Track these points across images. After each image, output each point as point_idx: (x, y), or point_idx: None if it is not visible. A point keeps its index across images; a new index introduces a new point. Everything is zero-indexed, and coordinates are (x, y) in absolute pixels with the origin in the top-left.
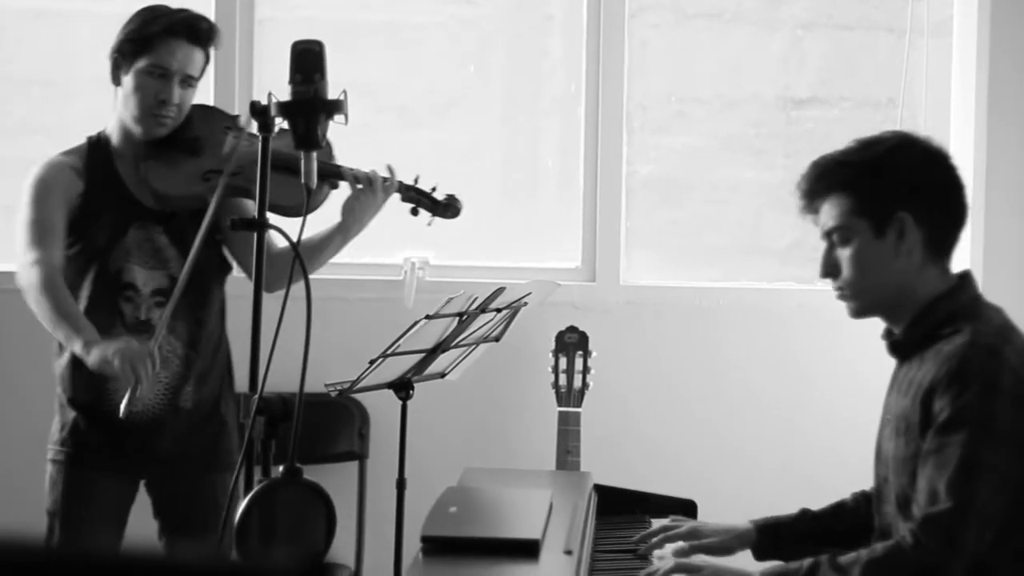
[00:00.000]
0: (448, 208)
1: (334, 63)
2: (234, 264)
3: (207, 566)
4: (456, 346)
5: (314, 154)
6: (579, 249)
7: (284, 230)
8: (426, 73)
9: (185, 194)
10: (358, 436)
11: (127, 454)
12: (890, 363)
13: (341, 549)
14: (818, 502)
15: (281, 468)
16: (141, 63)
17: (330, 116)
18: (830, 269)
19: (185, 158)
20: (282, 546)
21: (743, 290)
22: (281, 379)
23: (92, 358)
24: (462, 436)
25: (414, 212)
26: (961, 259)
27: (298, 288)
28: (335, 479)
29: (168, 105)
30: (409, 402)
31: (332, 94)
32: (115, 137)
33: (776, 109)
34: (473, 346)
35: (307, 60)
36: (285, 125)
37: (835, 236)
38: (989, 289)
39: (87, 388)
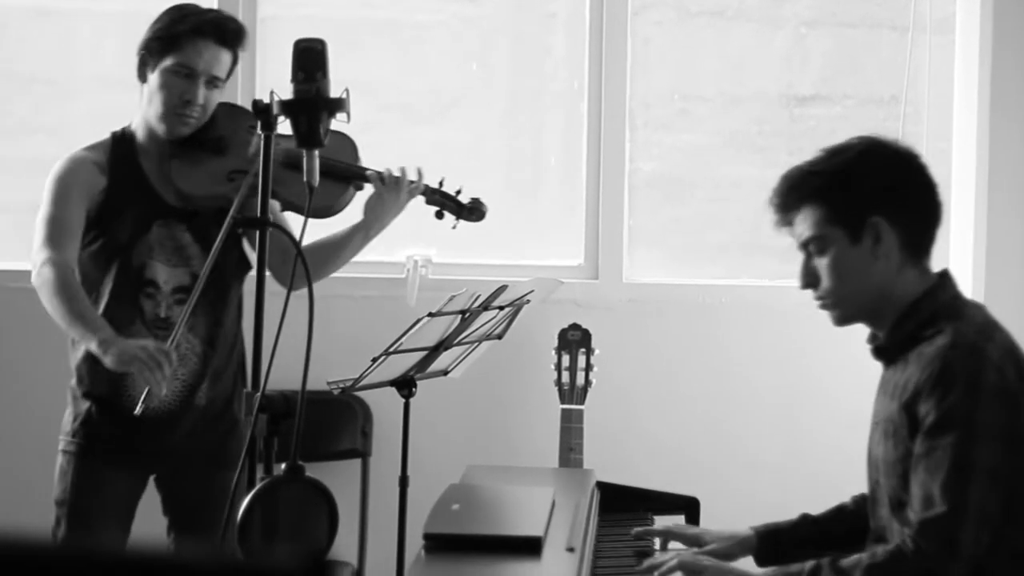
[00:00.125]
0: (473, 212)
1: (337, 61)
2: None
3: (210, 564)
4: (459, 344)
5: (316, 152)
6: (582, 246)
7: (287, 229)
8: (429, 71)
9: (209, 194)
10: (361, 434)
11: (139, 448)
12: None
13: (344, 546)
14: (821, 499)
15: (283, 466)
16: (167, 62)
17: (332, 114)
18: (810, 279)
19: (210, 157)
20: (284, 544)
21: (746, 287)
22: (284, 376)
23: (109, 357)
24: (465, 434)
25: (439, 215)
26: (963, 254)
27: (294, 284)
28: (338, 477)
29: (192, 105)
30: (412, 400)
31: (335, 92)
32: (140, 133)
33: (779, 106)
34: (476, 344)
35: (309, 58)
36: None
37: (812, 246)
38: (991, 286)
39: (104, 382)
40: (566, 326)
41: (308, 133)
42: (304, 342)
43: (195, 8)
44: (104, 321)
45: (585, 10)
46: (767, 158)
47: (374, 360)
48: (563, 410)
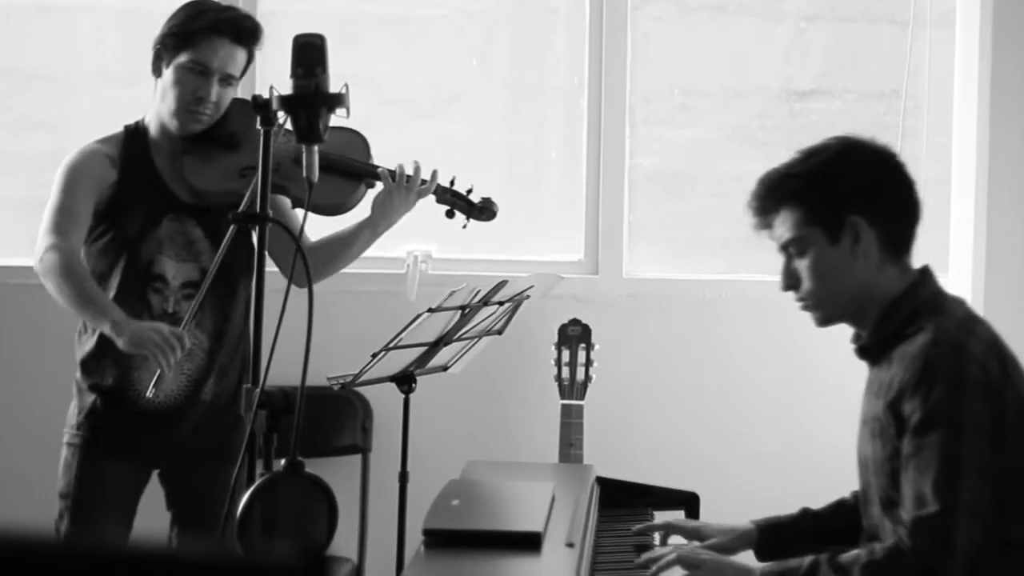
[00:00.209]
0: (484, 211)
1: (337, 56)
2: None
3: (209, 560)
4: (459, 339)
5: (315, 148)
6: (582, 242)
7: (286, 225)
8: (429, 66)
9: (221, 190)
10: (361, 429)
11: (143, 442)
12: None
13: (344, 542)
14: (821, 494)
15: (283, 461)
16: (182, 58)
17: (332, 109)
18: (791, 281)
19: (222, 154)
20: (284, 539)
21: (746, 283)
22: (284, 372)
23: (122, 340)
24: (465, 429)
25: (449, 214)
26: (963, 248)
27: (300, 281)
28: (338, 472)
29: (205, 102)
30: (412, 395)
31: (335, 87)
32: (153, 128)
33: (780, 101)
34: (476, 339)
35: (308, 53)
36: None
37: (791, 248)
38: (991, 279)
39: (111, 375)
40: (566, 321)
41: (308, 128)
42: (304, 337)
43: (212, 5)
44: (115, 304)
45: (585, 5)
46: (768, 153)
47: (374, 356)
48: (563, 405)
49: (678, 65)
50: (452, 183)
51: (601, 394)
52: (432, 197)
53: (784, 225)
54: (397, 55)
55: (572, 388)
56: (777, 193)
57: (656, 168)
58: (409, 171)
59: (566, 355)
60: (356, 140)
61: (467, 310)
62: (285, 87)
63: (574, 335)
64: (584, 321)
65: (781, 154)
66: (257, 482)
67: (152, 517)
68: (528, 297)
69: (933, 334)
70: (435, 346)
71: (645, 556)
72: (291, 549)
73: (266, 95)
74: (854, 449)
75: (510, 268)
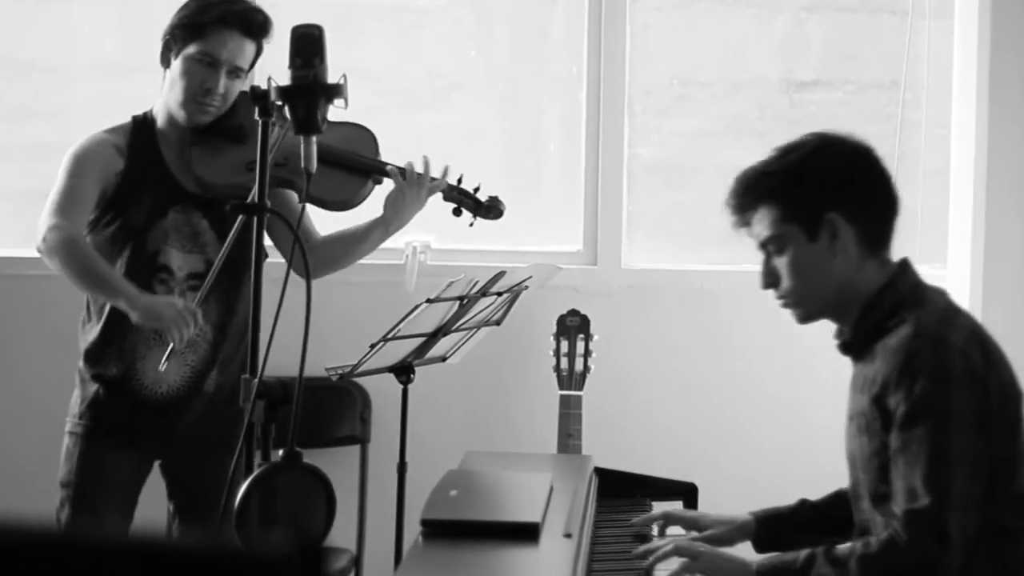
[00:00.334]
0: (491, 210)
1: (336, 47)
2: (271, 251)
3: (204, 551)
4: (457, 330)
5: (314, 139)
6: (581, 232)
7: (284, 216)
8: (428, 57)
9: (228, 183)
10: (360, 420)
11: (146, 433)
12: None
13: (343, 533)
14: (819, 485)
15: (281, 452)
16: (191, 49)
17: (330, 100)
18: (770, 279)
19: (230, 146)
20: (281, 530)
21: (745, 273)
22: (282, 363)
23: (137, 313)
24: (463, 420)
25: (456, 212)
26: (962, 239)
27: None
28: (337, 463)
29: (213, 94)
30: (410, 386)
31: (333, 78)
32: (160, 119)
33: (779, 92)
34: (474, 330)
35: (306, 44)
36: (331, 117)
37: (770, 246)
38: (989, 271)
39: (115, 364)
40: (565, 312)
41: (306, 119)
42: (302, 328)
43: None
44: (125, 278)
45: None
46: (767, 143)
47: (372, 346)
48: (561, 396)
49: (677, 56)
50: (459, 181)
51: (600, 385)
52: (439, 195)
53: (762, 223)
54: (395, 46)
55: (571, 379)
56: (754, 191)
57: (655, 159)
58: (419, 168)
59: (565, 346)
60: (364, 136)
61: (465, 301)
62: (284, 78)
63: (573, 326)
64: (583, 312)
65: (780, 144)
66: (255, 473)
67: (153, 508)
68: (526, 288)
69: (914, 327)
70: (433, 337)
71: (643, 547)
72: (287, 540)
73: (265, 86)
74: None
75: (509, 259)
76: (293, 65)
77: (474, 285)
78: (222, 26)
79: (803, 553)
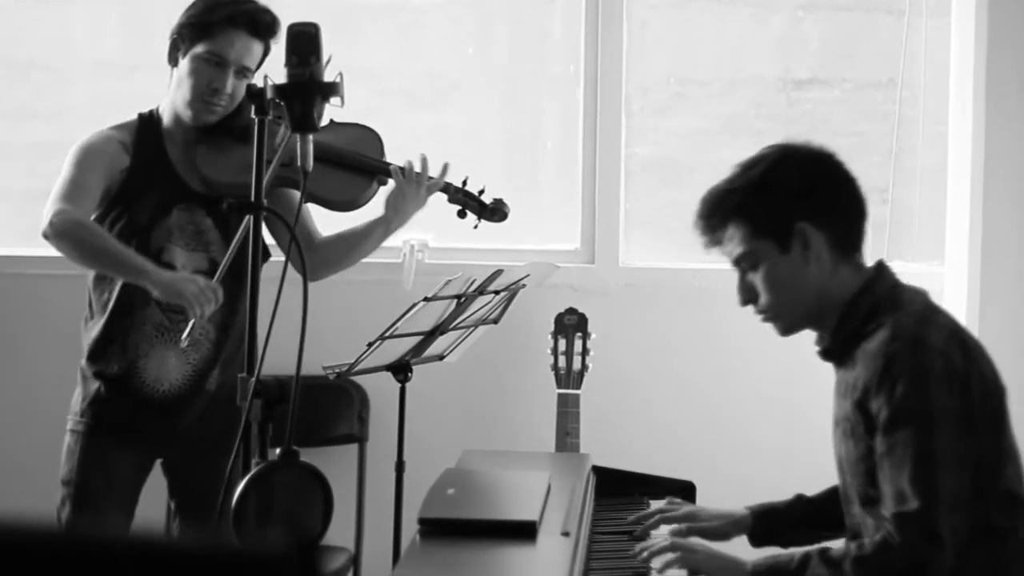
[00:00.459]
0: (495, 212)
1: (334, 47)
2: (275, 250)
3: (202, 549)
4: (455, 328)
5: (310, 137)
6: (578, 231)
7: (282, 214)
8: (426, 56)
9: (233, 182)
10: (358, 419)
11: (147, 431)
12: None
13: (341, 532)
14: (817, 484)
15: (278, 451)
16: (199, 49)
17: (326, 98)
18: (748, 295)
19: (235, 145)
20: (278, 529)
21: None
22: (280, 361)
23: (159, 290)
24: (461, 418)
25: (461, 214)
26: (959, 236)
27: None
28: (335, 462)
29: (220, 94)
30: (408, 385)
31: (331, 77)
32: (167, 117)
33: (776, 90)
34: (472, 328)
35: (303, 42)
36: (336, 118)
37: (743, 263)
38: (987, 270)
39: (116, 362)
40: (562, 310)
41: (302, 117)
42: (299, 327)
43: None
44: (141, 256)
45: None
46: (765, 142)
47: (370, 345)
48: (559, 395)
49: (674, 54)
50: (464, 183)
51: (597, 383)
52: (444, 197)
53: (733, 241)
54: (393, 45)
55: (568, 377)
56: (721, 209)
57: (652, 157)
58: (418, 166)
59: (562, 344)
60: (370, 137)
61: (463, 299)
62: (280, 76)
63: (570, 324)
64: (580, 310)
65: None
66: (252, 471)
67: (153, 507)
68: (524, 286)
69: (892, 330)
70: (431, 335)
71: (640, 546)
72: (282, 539)
73: (261, 84)
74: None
75: (506, 257)
76: (289, 63)
77: (472, 283)
78: (230, 26)
79: (798, 554)
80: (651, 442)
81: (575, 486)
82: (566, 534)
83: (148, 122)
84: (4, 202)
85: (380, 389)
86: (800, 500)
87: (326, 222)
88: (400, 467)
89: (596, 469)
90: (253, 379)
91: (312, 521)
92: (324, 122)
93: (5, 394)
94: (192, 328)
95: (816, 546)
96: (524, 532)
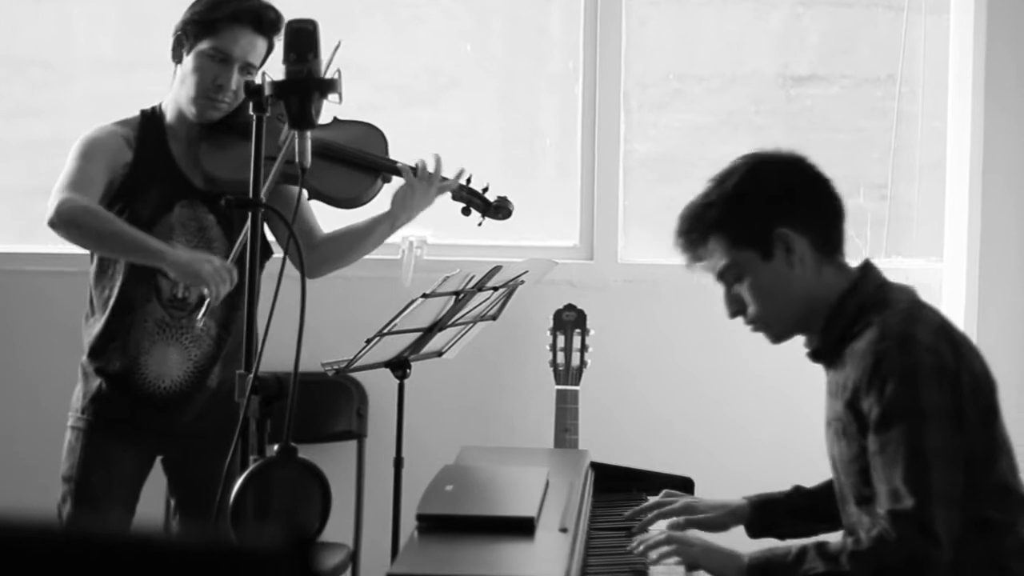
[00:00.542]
0: (499, 210)
1: (332, 43)
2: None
3: (198, 545)
4: (453, 325)
5: (308, 134)
6: (577, 227)
7: (280, 211)
8: (423, 52)
9: (236, 178)
10: (356, 415)
11: (148, 428)
12: None
13: (339, 528)
14: (815, 478)
15: (276, 447)
16: (204, 45)
17: (324, 95)
18: (736, 307)
19: (239, 142)
20: (276, 525)
21: None
22: (279, 358)
23: (175, 267)
24: (460, 415)
25: (465, 212)
26: (958, 231)
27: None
28: (334, 458)
29: (225, 90)
30: (407, 381)
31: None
32: (169, 113)
33: (776, 86)
34: (470, 325)
35: (301, 39)
36: (340, 115)
37: (727, 275)
38: (986, 266)
39: (119, 359)
40: (561, 307)
41: (299, 114)
42: (297, 323)
43: None
44: (153, 237)
45: None
46: (764, 138)
47: (368, 341)
48: (558, 391)
49: (673, 50)
50: (469, 181)
51: (596, 379)
52: (448, 194)
53: (714, 254)
54: (391, 41)
55: (567, 373)
56: (700, 225)
57: (652, 153)
58: (431, 167)
59: (561, 340)
60: (374, 134)
61: (461, 295)
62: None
63: (569, 320)
64: (579, 306)
65: (777, 139)
66: (250, 468)
67: (152, 504)
68: (522, 283)
69: (880, 329)
70: (429, 332)
71: (636, 539)
72: (278, 535)
73: (259, 81)
74: None
75: (505, 254)
76: (287, 60)
77: (470, 280)
78: (235, 23)
79: (795, 547)
80: (650, 438)
81: (573, 482)
82: (564, 530)
83: (151, 118)
84: (3, 199)
85: (379, 385)
86: (798, 492)
87: (330, 219)
88: (399, 463)
89: (594, 465)
90: (251, 376)
91: (310, 517)
92: (327, 120)
93: (5, 391)
94: (207, 308)
95: (813, 540)
96: (522, 528)
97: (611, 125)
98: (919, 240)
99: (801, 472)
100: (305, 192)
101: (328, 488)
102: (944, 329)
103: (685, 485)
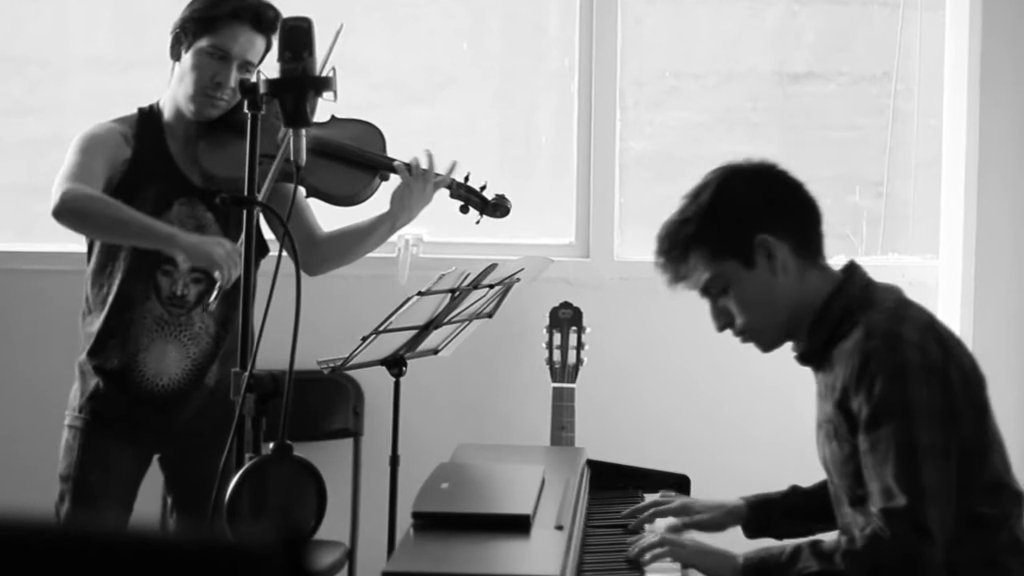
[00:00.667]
0: (497, 208)
1: (328, 41)
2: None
3: (189, 543)
4: (449, 322)
5: (303, 132)
6: (573, 225)
7: (276, 209)
8: (420, 50)
9: (235, 176)
10: (352, 413)
11: (146, 426)
12: None
13: (336, 526)
14: (811, 477)
15: (271, 445)
16: (203, 43)
17: (319, 93)
18: (724, 319)
19: (237, 140)
20: (271, 523)
21: None
22: (275, 356)
23: (188, 251)
24: (456, 413)
25: (463, 210)
26: (954, 228)
27: (288, 264)
28: (330, 456)
29: (224, 88)
30: (403, 379)
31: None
32: (167, 111)
33: (772, 84)
34: (466, 322)
35: (296, 37)
36: (337, 114)
37: (712, 288)
38: (982, 263)
39: (117, 356)
40: (557, 304)
41: (294, 112)
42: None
43: None
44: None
45: None
46: (761, 136)
47: (364, 339)
48: (554, 389)
49: (669, 48)
50: (467, 179)
51: (592, 377)
52: (446, 192)
53: (697, 269)
54: (387, 39)
55: (563, 371)
56: (680, 241)
57: (649, 151)
58: (423, 163)
59: (557, 338)
60: (371, 132)
61: (457, 293)
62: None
63: (565, 318)
64: (575, 304)
65: (774, 137)
66: (245, 466)
67: (149, 502)
68: (518, 280)
69: (866, 328)
70: (425, 329)
71: (632, 541)
72: (270, 532)
73: (254, 79)
74: None
75: (501, 252)
76: (282, 58)
77: (466, 278)
78: (234, 20)
79: (789, 546)
80: (646, 436)
81: (569, 480)
82: (560, 528)
83: (148, 116)
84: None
85: (375, 383)
86: (795, 491)
87: (328, 217)
88: (395, 461)
89: (591, 463)
90: (246, 373)
91: (306, 515)
92: (325, 118)
93: (3, 389)
94: (219, 291)
95: (807, 539)
96: (518, 526)
97: (607, 123)
98: (915, 237)
99: (798, 469)
100: (303, 190)
101: (323, 486)
102: (931, 326)
103: (681, 483)
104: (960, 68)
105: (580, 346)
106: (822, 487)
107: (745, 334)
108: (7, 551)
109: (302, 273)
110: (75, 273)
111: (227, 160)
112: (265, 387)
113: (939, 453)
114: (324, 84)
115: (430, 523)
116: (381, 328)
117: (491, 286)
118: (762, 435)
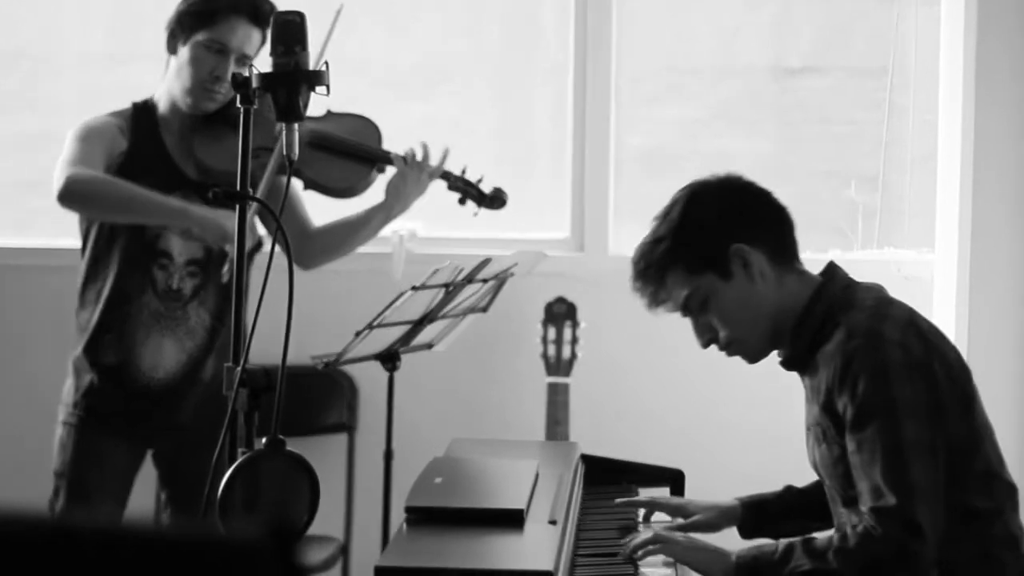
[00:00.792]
0: (494, 200)
1: (325, 26)
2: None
3: (179, 537)
4: (443, 317)
5: (296, 126)
6: (568, 219)
7: (268, 203)
8: (417, 45)
9: (231, 169)
10: (347, 408)
11: (140, 421)
12: None
13: (330, 521)
14: (806, 473)
15: (264, 440)
16: (200, 36)
17: (312, 87)
18: (708, 334)
19: (233, 134)
20: (263, 518)
21: None
22: (268, 351)
23: (201, 225)
24: (450, 407)
25: (461, 202)
26: (950, 223)
27: (282, 259)
28: (324, 451)
29: (222, 81)
30: (397, 374)
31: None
32: (162, 105)
33: (768, 79)
34: (460, 317)
35: (288, 31)
36: (333, 108)
37: (691, 304)
38: (977, 258)
39: (114, 350)
40: (552, 299)
41: (287, 106)
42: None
43: None
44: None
45: None
46: (757, 131)
47: (358, 334)
48: (549, 383)
49: (665, 43)
50: (464, 172)
51: (587, 372)
52: (444, 184)
53: (675, 287)
54: (384, 35)
55: (558, 366)
56: (655, 262)
57: (645, 146)
58: (419, 154)
59: (552, 333)
60: (368, 126)
61: (451, 288)
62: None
63: (560, 313)
64: (570, 299)
65: (771, 132)
66: (238, 460)
67: (143, 498)
68: (512, 275)
69: (847, 329)
70: (419, 324)
71: (626, 540)
72: (259, 526)
73: (246, 73)
74: None
75: (496, 246)
76: (275, 52)
77: (460, 272)
78: (232, 13)
79: (782, 544)
80: (640, 431)
81: (563, 475)
82: (553, 522)
83: (143, 110)
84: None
85: (369, 378)
86: (790, 491)
87: (324, 210)
88: (389, 456)
89: (585, 458)
90: (239, 368)
91: (298, 510)
92: (321, 112)
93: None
94: (231, 264)
95: (800, 537)
96: (511, 520)
97: (602, 118)
98: (911, 232)
99: (791, 465)
100: (301, 183)
101: (316, 481)
102: (912, 323)
103: (676, 478)
104: (956, 63)
105: (575, 341)
106: (816, 486)
107: (730, 346)
108: (1, 546)
109: (296, 267)
110: (70, 269)
111: (223, 153)
112: (258, 382)
113: (926, 450)
114: (317, 78)
115: (424, 518)
116: (375, 323)
117: (485, 281)
118: (756, 429)
